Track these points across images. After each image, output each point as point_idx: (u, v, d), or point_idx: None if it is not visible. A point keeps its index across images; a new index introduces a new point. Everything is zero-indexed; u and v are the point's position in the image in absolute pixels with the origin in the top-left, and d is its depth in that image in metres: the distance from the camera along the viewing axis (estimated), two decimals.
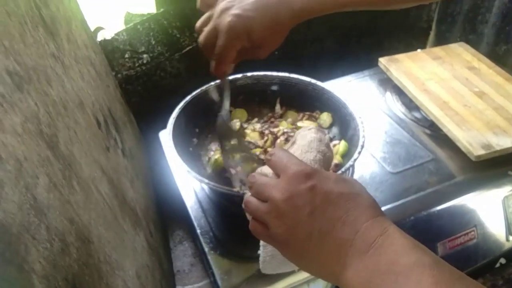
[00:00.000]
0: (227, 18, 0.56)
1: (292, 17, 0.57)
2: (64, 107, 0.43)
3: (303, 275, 0.61)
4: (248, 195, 0.47)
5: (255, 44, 0.58)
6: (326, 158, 0.53)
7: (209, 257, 0.62)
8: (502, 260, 0.82)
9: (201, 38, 0.61)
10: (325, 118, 0.79)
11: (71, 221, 0.35)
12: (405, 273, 0.35)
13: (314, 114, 0.80)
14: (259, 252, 0.52)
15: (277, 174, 0.45)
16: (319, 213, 0.40)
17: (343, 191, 0.41)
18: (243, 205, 0.48)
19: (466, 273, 0.71)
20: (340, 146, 0.71)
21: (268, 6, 0.56)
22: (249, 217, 0.48)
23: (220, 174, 0.69)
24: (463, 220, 0.70)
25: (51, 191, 0.33)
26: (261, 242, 0.51)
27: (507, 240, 0.74)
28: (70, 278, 0.32)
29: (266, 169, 0.50)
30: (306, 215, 0.40)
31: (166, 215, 0.88)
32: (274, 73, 0.83)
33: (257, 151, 0.72)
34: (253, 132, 0.77)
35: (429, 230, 0.68)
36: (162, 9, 0.87)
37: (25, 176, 0.29)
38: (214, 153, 0.71)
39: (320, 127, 0.77)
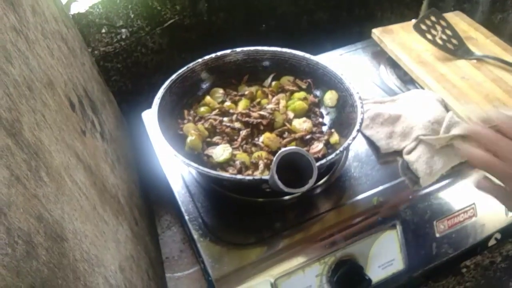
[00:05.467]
0: None
1: None
2: (28, 88, 0.38)
3: (298, 261, 0.58)
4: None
5: None
6: None
7: (198, 245, 0.59)
8: (497, 235, 0.80)
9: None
10: (330, 96, 0.73)
11: (39, 218, 0.31)
12: None
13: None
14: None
15: None
16: None
17: None
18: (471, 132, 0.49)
19: (463, 250, 0.69)
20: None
21: None
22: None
23: (198, 155, 0.65)
24: (462, 198, 0.68)
25: (12, 186, 0.28)
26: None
27: (506, 215, 0.72)
28: (39, 284, 0.28)
29: None
30: None
31: (153, 200, 0.84)
32: (266, 48, 0.77)
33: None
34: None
35: (428, 208, 0.66)
36: None
37: None
38: (192, 134, 0.66)
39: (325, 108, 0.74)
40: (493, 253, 0.74)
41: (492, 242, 0.79)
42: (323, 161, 0.56)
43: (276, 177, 0.48)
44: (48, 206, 0.33)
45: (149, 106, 0.68)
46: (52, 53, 0.49)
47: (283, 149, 0.50)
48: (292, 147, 0.51)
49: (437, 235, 0.66)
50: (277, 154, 0.50)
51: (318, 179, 0.65)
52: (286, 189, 0.49)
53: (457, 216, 0.67)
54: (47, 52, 0.48)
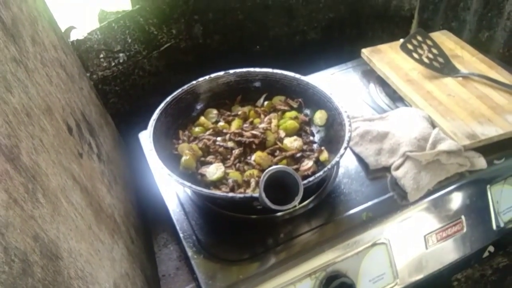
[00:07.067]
0: None
1: None
2: (27, 115, 0.40)
3: (290, 276, 0.59)
4: None
5: None
6: None
7: (192, 262, 0.61)
8: (491, 248, 0.82)
9: None
10: (319, 115, 0.75)
11: (35, 238, 0.33)
12: None
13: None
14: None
15: None
16: None
17: None
18: None
19: (454, 263, 0.70)
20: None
21: None
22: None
23: (192, 174, 0.67)
24: (450, 211, 0.69)
25: (10, 208, 0.31)
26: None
27: (495, 229, 0.73)
28: None
29: None
30: None
31: (150, 218, 0.86)
32: (257, 69, 0.80)
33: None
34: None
35: (416, 223, 0.67)
36: (137, 6, 0.84)
37: None
38: (187, 153, 0.68)
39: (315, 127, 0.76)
40: (484, 266, 0.75)
41: (485, 254, 0.80)
42: (311, 178, 0.58)
43: (263, 194, 0.50)
44: (44, 226, 0.35)
45: (146, 126, 0.70)
46: (50, 80, 0.52)
47: (269, 168, 0.52)
48: (278, 166, 0.53)
49: (427, 249, 0.68)
50: (264, 173, 0.52)
51: (308, 196, 0.68)
52: (273, 206, 0.51)
53: (445, 230, 0.68)
54: (45, 79, 0.50)
